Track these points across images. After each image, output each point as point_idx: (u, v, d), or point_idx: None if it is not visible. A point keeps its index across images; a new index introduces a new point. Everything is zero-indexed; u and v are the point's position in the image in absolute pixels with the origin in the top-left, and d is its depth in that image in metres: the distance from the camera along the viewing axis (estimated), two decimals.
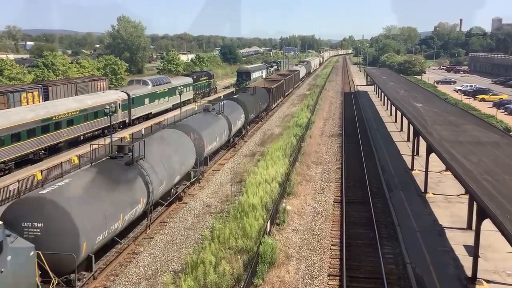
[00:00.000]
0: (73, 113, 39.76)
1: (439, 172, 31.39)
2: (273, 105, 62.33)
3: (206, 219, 24.54)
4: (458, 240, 21.30)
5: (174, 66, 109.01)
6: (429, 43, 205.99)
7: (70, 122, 39.30)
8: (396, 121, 52.18)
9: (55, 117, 37.36)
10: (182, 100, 58.20)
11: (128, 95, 49.63)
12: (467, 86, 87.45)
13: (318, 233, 22.75)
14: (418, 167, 32.79)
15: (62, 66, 76.72)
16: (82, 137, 41.56)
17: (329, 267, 19.38)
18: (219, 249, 19.83)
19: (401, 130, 47.10)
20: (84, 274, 16.89)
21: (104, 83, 63.60)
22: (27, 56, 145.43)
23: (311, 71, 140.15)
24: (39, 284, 14.99)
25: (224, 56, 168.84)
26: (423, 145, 29.85)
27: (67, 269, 15.90)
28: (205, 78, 78.09)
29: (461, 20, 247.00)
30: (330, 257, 20.23)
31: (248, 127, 45.32)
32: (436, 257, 19.73)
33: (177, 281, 17.64)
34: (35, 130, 35.03)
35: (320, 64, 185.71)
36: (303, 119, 51.08)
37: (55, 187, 17.29)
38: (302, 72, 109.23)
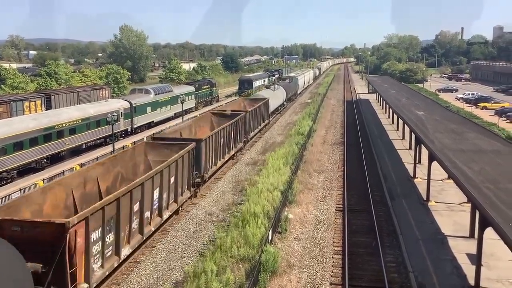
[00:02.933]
0: (75, 122, 39.91)
1: (441, 180, 31.33)
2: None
3: (208, 227, 24.51)
4: (461, 249, 21.21)
5: (176, 74, 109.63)
6: (430, 51, 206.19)
7: (73, 131, 39.46)
8: (398, 129, 52.17)
9: (57, 126, 37.52)
10: (184, 109, 58.39)
11: (131, 103, 49.86)
12: (468, 94, 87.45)
13: (320, 241, 22.69)
14: (420, 175, 32.74)
15: (65, 75, 77.26)
16: (84, 145, 41.70)
17: (331, 276, 19.31)
18: (221, 257, 19.79)
19: (403, 138, 47.07)
20: None
21: (107, 92, 63.95)
22: (30, 65, 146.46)
23: (299, 91, 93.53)
24: None
25: (226, 65, 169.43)
26: (425, 153, 29.82)
27: None
28: (207, 86, 78.40)
29: (462, 28, 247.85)
30: (332, 266, 20.16)
31: None
32: (438, 266, 19.65)
33: None
34: (38, 138, 35.17)
35: (316, 78, 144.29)
36: (305, 127, 51.07)
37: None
38: (277, 99, 63.38)
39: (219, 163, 33.60)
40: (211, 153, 30.81)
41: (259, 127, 49.27)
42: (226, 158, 35.74)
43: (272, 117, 59.27)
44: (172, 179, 23.64)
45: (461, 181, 19.89)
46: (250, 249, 20.49)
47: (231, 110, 43.07)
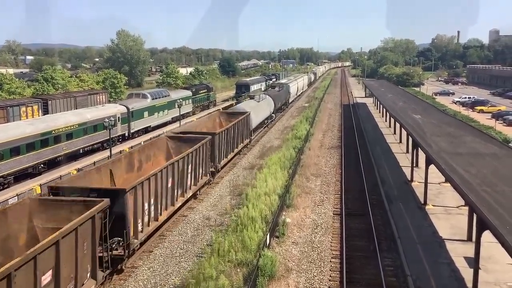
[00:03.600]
0: (72, 127, 39.82)
1: (439, 183, 31.35)
2: None
3: (205, 232, 24.46)
4: (459, 252, 21.21)
5: (173, 79, 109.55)
6: (427, 55, 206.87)
7: (70, 136, 39.37)
8: (395, 133, 52.22)
9: (54, 131, 37.42)
10: (181, 113, 58.38)
11: (128, 108, 49.80)
12: (465, 97, 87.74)
13: (318, 245, 22.66)
14: (417, 178, 32.76)
15: (62, 80, 77.01)
16: (81, 150, 41.60)
17: (329, 280, 19.28)
18: (218, 262, 19.74)
19: (400, 141, 47.13)
20: None
21: (104, 96, 63.85)
22: (27, 70, 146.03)
23: (290, 100, 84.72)
24: None
25: (223, 69, 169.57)
26: (422, 156, 29.85)
27: None
28: (204, 91, 78.40)
29: (458, 32, 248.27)
30: (330, 270, 20.12)
31: None
32: (436, 269, 19.64)
33: None
34: (34, 144, 35.07)
35: (310, 84, 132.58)
36: (302, 131, 51.13)
37: None
38: (262, 112, 54.44)
39: (164, 215, 23.00)
40: (147, 204, 20.63)
41: (236, 150, 39.48)
42: (179, 204, 25.49)
43: (255, 134, 50.53)
44: (48, 277, 13.70)
45: (458, 184, 19.90)
46: (248, 253, 20.45)
47: (194, 133, 33.04)
